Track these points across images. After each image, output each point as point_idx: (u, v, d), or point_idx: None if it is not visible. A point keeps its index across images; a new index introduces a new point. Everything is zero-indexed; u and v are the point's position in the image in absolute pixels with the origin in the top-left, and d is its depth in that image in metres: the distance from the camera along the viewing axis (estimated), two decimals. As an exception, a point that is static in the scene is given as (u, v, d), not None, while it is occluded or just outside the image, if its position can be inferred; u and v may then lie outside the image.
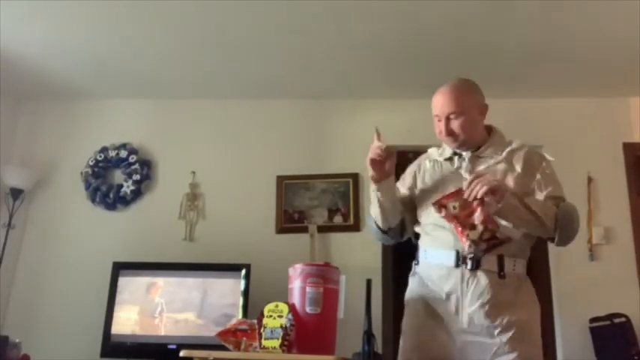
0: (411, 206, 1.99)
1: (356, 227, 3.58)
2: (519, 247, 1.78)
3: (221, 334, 1.85)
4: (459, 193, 1.64)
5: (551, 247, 3.58)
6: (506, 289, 1.72)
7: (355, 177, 3.68)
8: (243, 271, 3.28)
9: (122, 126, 3.96)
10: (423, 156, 2.06)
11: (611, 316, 3.19)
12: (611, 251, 3.45)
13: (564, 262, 3.49)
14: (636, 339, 3.12)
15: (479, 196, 1.58)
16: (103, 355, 3.22)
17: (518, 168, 1.81)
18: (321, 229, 3.57)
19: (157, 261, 3.42)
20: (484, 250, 1.60)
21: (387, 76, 3.62)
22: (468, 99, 1.87)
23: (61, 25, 3.11)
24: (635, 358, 3.04)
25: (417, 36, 3.13)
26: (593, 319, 3.25)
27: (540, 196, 1.78)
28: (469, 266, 1.72)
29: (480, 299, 1.71)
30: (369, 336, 2.09)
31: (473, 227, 1.59)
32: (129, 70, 3.63)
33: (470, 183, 1.60)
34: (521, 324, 1.70)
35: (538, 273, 3.82)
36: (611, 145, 3.63)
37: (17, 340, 3.18)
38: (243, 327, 1.85)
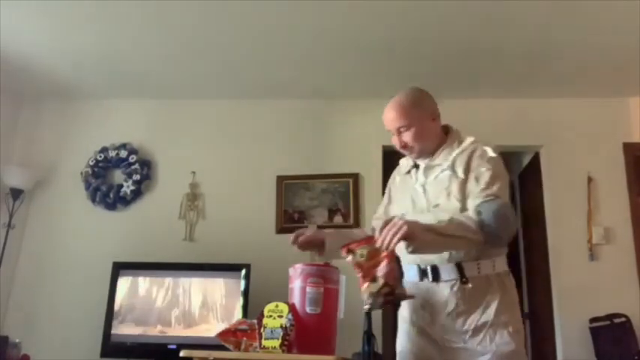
0: None
1: (356, 227, 3.58)
2: (482, 249, 1.73)
3: (221, 334, 1.84)
4: (369, 240, 1.62)
5: (552, 248, 3.58)
6: (474, 292, 1.71)
7: (355, 177, 3.68)
8: (243, 271, 3.28)
9: (122, 126, 3.96)
10: (396, 169, 2.07)
11: (611, 316, 3.19)
12: (611, 251, 3.45)
13: (564, 262, 3.49)
14: (636, 339, 3.12)
15: (391, 247, 1.53)
16: (103, 355, 3.22)
17: (460, 173, 1.78)
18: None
19: (157, 261, 3.43)
20: (381, 304, 1.57)
21: (387, 76, 3.62)
22: (416, 110, 1.85)
23: (61, 25, 3.11)
24: (635, 358, 3.03)
25: (417, 36, 3.13)
26: (593, 319, 3.25)
27: (472, 197, 1.73)
28: (430, 278, 1.75)
29: (446, 309, 1.73)
30: (369, 336, 2.09)
31: (374, 279, 1.56)
32: (129, 70, 3.63)
33: (381, 230, 1.55)
34: (492, 325, 1.70)
35: (538, 273, 3.82)
36: (611, 145, 3.63)
37: (17, 340, 3.18)
38: (243, 327, 1.85)
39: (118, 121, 3.98)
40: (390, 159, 3.74)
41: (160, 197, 3.80)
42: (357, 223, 3.58)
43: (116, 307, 3.31)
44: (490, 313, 1.70)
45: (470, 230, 1.63)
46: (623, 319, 3.16)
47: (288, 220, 3.66)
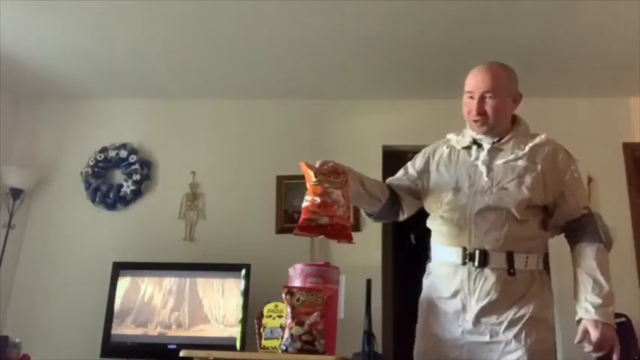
0: (410, 190, 1.92)
1: (356, 227, 3.56)
2: (535, 243, 1.75)
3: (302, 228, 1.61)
4: (312, 289, 1.66)
5: (551, 247, 3.57)
6: (516, 285, 1.67)
7: (355, 177, 3.68)
8: (243, 271, 3.28)
9: (122, 126, 3.96)
10: (441, 141, 1.96)
11: (611, 316, 3.18)
12: (611, 251, 3.45)
13: (564, 262, 3.47)
14: (636, 339, 3.12)
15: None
16: (103, 355, 3.22)
17: (539, 167, 1.74)
18: (321, 229, 3.56)
19: (157, 261, 3.43)
20: (297, 349, 1.60)
21: (387, 76, 3.61)
22: (507, 83, 1.83)
23: (61, 25, 3.11)
24: (635, 358, 3.03)
25: (417, 36, 3.13)
26: (593, 319, 3.24)
27: (566, 205, 1.75)
28: (476, 263, 1.67)
29: (487, 298, 1.66)
30: (369, 336, 2.09)
31: (300, 324, 1.61)
32: (129, 70, 3.63)
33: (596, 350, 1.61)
34: (529, 318, 1.65)
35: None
36: (611, 145, 3.63)
37: (17, 340, 3.18)
38: (324, 221, 1.58)
39: (118, 121, 3.98)
40: (390, 159, 3.75)
41: (160, 197, 3.80)
42: (357, 223, 3.57)
43: (116, 307, 3.31)
44: (530, 307, 1.66)
45: (605, 267, 1.76)
46: (623, 319, 3.16)
47: (288, 220, 3.65)
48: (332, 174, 1.67)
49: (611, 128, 3.67)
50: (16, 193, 3.65)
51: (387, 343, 3.38)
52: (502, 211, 1.70)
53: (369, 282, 2.49)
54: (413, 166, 1.95)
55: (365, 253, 3.44)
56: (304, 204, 1.63)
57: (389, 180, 1.99)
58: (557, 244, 3.65)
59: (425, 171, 1.91)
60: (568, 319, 3.41)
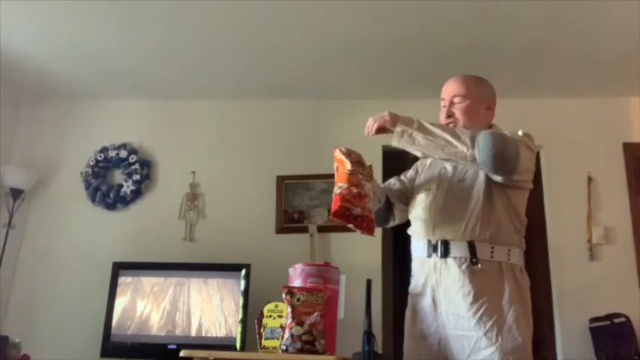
0: (400, 195, 2.00)
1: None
2: (502, 234, 1.73)
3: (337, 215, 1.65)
4: (312, 289, 1.69)
5: (551, 247, 3.58)
6: (483, 276, 1.66)
7: (355, 177, 3.68)
8: (243, 271, 3.28)
9: (122, 126, 3.96)
10: None
11: (611, 316, 3.19)
12: (611, 251, 3.45)
13: (564, 262, 3.49)
14: (636, 339, 3.12)
15: (372, 132, 1.73)
16: (103, 355, 3.22)
17: None
18: (321, 229, 3.57)
19: (156, 261, 3.43)
20: (297, 349, 1.62)
21: (387, 77, 3.62)
22: (477, 87, 1.89)
23: (61, 25, 3.11)
24: (635, 358, 3.04)
25: (417, 37, 3.13)
26: (593, 319, 3.25)
27: None
28: (439, 254, 1.71)
29: (452, 288, 1.67)
30: (369, 336, 2.09)
31: (301, 324, 1.64)
32: (129, 70, 3.63)
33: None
34: (500, 315, 1.63)
35: (538, 273, 3.82)
36: (611, 145, 3.63)
37: (17, 340, 3.18)
38: (356, 212, 1.63)
39: (118, 121, 3.98)
40: (390, 159, 3.75)
41: (160, 197, 3.80)
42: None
43: (116, 306, 3.31)
44: (501, 302, 1.65)
45: (458, 137, 1.65)
46: (623, 319, 3.16)
47: (288, 220, 3.66)
48: (359, 164, 1.73)
49: (611, 128, 3.67)
50: (16, 193, 3.65)
51: (387, 343, 3.38)
52: (463, 202, 1.74)
53: (369, 282, 2.48)
54: (404, 175, 2.06)
55: (365, 253, 3.44)
56: (338, 190, 1.66)
57: (382, 186, 2.06)
58: (558, 243, 3.67)
59: (414, 180, 2.01)
60: (568, 319, 3.43)
